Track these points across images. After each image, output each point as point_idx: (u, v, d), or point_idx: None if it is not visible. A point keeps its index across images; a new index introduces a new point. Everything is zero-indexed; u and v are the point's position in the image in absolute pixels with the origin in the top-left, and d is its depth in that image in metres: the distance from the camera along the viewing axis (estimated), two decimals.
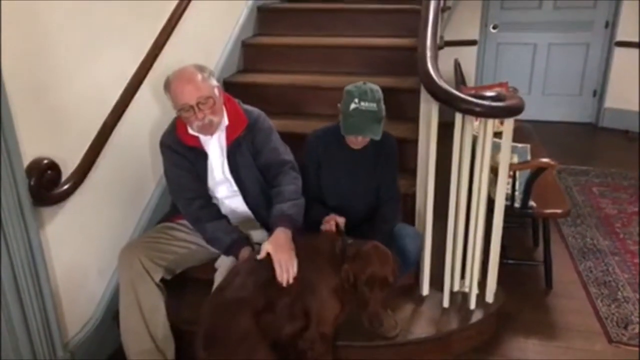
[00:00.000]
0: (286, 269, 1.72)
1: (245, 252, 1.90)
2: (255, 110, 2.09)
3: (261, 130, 2.03)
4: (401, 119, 2.80)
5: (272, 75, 3.16)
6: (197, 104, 1.85)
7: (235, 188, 2.05)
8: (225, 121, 2.00)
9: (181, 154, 2.00)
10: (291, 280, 1.71)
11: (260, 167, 2.03)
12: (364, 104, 1.87)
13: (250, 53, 3.32)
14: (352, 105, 1.88)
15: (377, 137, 1.89)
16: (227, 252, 1.94)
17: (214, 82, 1.94)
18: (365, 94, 1.89)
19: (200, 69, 1.92)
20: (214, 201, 2.07)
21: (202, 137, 2.00)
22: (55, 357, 1.89)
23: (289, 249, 1.76)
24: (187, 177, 2.00)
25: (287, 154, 2.06)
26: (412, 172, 2.32)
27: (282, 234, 1.79)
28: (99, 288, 2.17)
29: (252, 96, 2.16)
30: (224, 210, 2.06)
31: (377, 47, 3.20)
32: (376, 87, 1.96)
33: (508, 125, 1.96)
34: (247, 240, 1.96)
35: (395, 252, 1.95)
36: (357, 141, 1.95)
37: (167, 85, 1.91)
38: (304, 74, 3.16)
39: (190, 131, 1.97)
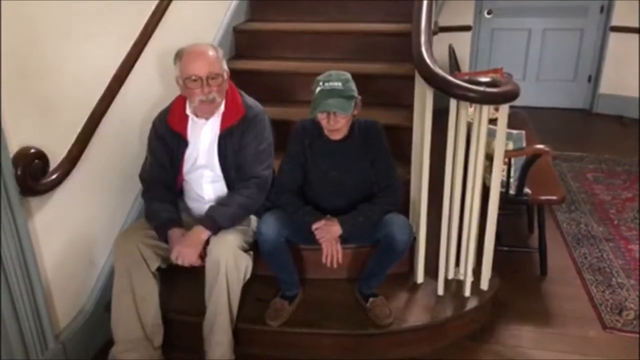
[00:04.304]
0: (182, 257, 1.86)
1: (177, 232, 1.91)
2: (257, 107, 2.07)
3: (253, 130, 2.01)
4: (395, 106, 2.79)
5: (264, 62, 3.12)
6: (207, 78, 1.89)
7: (220, 174, 2.05)
8: (222, 108, 2.00)
9: (162, 139, 2.03)
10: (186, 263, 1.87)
11: (236, 163, 2.03)
12: (328, 84, 1.88)
13: (242, 39, 3.27)
14: (318, 89, 1.89)
15: (344, 112, 1.87)
16: (159, 229, 1.94)
17: (225, 65, 1.99)
18: (329, 76, 1.91)
19: (215, 48, 1.98)
20: (194, 185, 2.08)
21: (195, 120, 2.01)
22: (47, 349, 1.88)
23: (193, 245, 1.87)
24: (158, 163, 2.04)
25: (264, 168, 2.02)
26: (406, 160, 2.30)
27: (196, 233, 1.89)
28: (91, 278, 2.14)
29: (244, 83, 2.13)
30: (206, 198, 2.06)
31: (371, 32, 3.16)
32: (344, 72, 1.95)
33: (503, 111, 1.94)
34: (179, 223, 1.97)
35: (382, 239, 1.97)
36: (328, 125, 1.91)
37: (179, 55, 1.94)
38: (297, 61, 3.12)
39: (187, 110, 2.00)
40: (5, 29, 1.60)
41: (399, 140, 2.37)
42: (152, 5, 2.36)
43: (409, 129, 2.30)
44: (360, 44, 3.13)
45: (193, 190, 2.09)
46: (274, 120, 2.14)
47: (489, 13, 4.90)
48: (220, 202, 1.99)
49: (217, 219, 1.92)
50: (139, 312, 1.91)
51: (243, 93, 2.08)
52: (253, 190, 1.99)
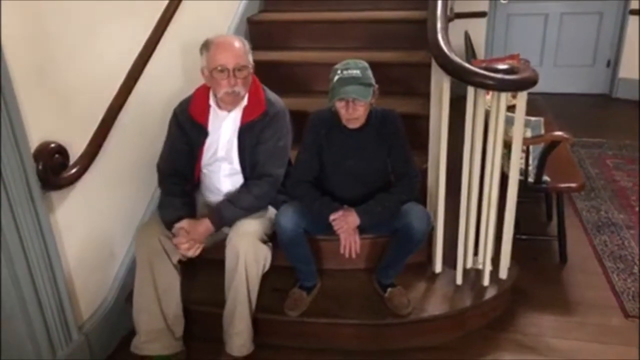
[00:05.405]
0: (185, 249, 1.88)
1: (182, 223, 1.92)
2: (279, 104, 2.06)
3: (273, 127, 2.01)
4: (411, 94, 2.77)
5: (279, 53, 3.11)
6: (234, 69, 1.89)
7: (238, 167, 2.05)
8: (245, 102, 2.00)
9: (182, 128, 2.03)
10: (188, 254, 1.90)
11: (253, 157, 2.03)
12: (347, 72, 1.87)
13: (256, 30, 3.27)
14: (336, 77, 1.89)
15: (364, 99, 1.86)
16: (168, 225, 1.94)
17: (251, 58, 1.98)
18: (347, 64, 1.90)
19: (243, 41, 1.98)
20: (213, 178, 2.08)
21: (217, 112, 2.01)
22: (71, 340, 1.91)
23: (197, 237, 1.90)
24: (176, 152, 2.05)
25: (278, 166, 2.03)
26: (423, 148, 2.29)
27: (204, 225, 1.92)
28: (112, 270, 2.17)
29: (259, 75, 2.12)
30: (224, 191, 2.07)
31: (385, 20, 3.14)
32: (362, 60, 1.94)
33: (521, 98, 1.91)
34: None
35: (400, 229, 1.96)
36: (347, 113, 1.90)
37: (207, 45, 1.94)
38: (311, 51, 3.11)
39: (210, 101, 2.01)
40: (23, 25, 1.62)
41: (416, 129, 2.36)
42: None
43: (425, 118, 2.28)
44: (375, 32, 3.11)
45: (212, 183, 2.10)
46: (290, 110, 2.14)
47: None
48: (231, 199, 2.00)
49: (225, 217, 1.96)
50: (160, 303, 1.94)
51: (266, 88, 2.08)
52: (264, 189, 2.00)
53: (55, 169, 1.76)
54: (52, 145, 1.74)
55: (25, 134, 1.64)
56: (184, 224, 1.90)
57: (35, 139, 1.69)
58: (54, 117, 1.79)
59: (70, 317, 1.89)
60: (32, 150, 1.68)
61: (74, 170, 1.84)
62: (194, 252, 1.90)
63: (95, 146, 1.94)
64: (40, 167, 1.70)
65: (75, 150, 1.86)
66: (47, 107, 1.75)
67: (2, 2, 1.52)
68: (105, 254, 2.13)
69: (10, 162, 1.59)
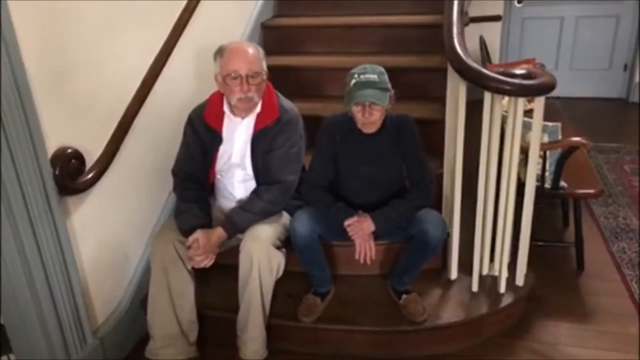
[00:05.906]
0: (199, 262, 1.88)
1: (196, 234, 1.90)
2: (292, 111, 2.05)
3: (286, 133, 2.01)
4: (426, 99, 2.75)
5: (292, 58, 3.11)
6: (247, 76, 1.89)
7: (251, 173, 2.05)
8: (258, 108, 2.00)
9: (197, 133, 2.03)
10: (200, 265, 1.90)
11: (265, 164, 2.03)
12: (363, 76, 1.87)
13: (270, 35, 3.27)
14: (353, 81, 1.88)
15: (381, 103, 1.86)
16: (185, 234, 1.94)
17: (265, 65, 1.97)
18: (364, 69, 1.90)
19: (257, 47, 1.98)
20: (227, 184, 2.08)
21: (231, 118, 2.01)
22: (86, 344, 1.92)
23: (211, 247, 1.90)
24: (191, 157, 2.05)
25: (290, 173, 2.03)
26: (438, 154, 2.27)
27: (217, 234, 1.92)
28: (126, 274, 2.18)
29: (273, 79, 2.12)
30: (238, 196, 2.07)
31: (399, 25, 3.13)
32: (378, 65, 1.94)
33: (539, 103, 1.89)
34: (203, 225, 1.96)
35: (416, 236, 1.94)
36: (363, 118, 1.89)
37: (220, 52, 1.94)
38: (325, 55, 3.11)
39: (224, 107, 2.01)
40: (39, 29, 1.63)
41: (431, 134, 2.33)
42: (182, 4, 2.38)
43: (441, 123, 2.27)
44: (389, 37, 3.10)
45: (226, 189, 2.10)
46: (303, 115, 2.13)
47: (519, 2, 4.78)
48: (242, 206, 2.00)
49: (238, 224, 1.95)
50: (175, 309, 1.95)
51: (279, 94, 2.08)
52: (276, 195, 2.00)
53: (71, 174, 1.77)
54: (69, 150, 1.76)
55: (43, 139, 1.66)
56: (198, 235, 1.89)
57: (52, 145, 1.71)
58: (70, 123, 1.80)
59: (85, 321, 1.90)
60: (49, 155, 1.70)
61: (90, 176, 1.85)
62: (207, 262, 1.90)
63: (111, 151, 1.95)
64: (57, 172, 1.71)
65: (92, 155, 1.88)
66: (64, 112, 1.77)
67: (20, 10, 1.54)
68: (120, 258, 2.14)
69: (27, 167, 1.60)
